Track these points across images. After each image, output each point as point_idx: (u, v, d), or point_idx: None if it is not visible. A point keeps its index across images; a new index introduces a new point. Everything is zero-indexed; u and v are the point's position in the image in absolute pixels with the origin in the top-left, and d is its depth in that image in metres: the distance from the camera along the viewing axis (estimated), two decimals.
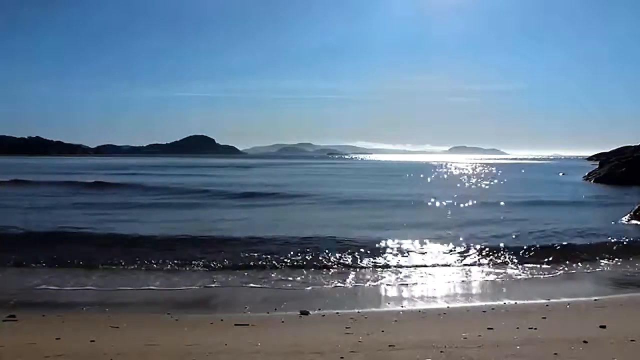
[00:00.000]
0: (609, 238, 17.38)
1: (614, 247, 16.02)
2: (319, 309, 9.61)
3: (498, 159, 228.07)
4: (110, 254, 14.26)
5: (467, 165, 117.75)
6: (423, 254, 15.10)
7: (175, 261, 13.66)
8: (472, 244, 16.05)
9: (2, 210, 24.75)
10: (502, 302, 10.18)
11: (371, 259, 14.11)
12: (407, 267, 13.51)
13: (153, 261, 13.63)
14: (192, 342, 6.84)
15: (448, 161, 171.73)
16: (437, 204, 29.79)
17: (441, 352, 6.09)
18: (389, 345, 6.43)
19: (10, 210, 24.60)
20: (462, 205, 29.13)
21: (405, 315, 9.27)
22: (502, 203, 29.90)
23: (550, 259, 14.51)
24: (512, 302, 10.22)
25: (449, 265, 13.87)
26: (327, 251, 14.81)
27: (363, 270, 13.24)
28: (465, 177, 65.52)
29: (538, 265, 13.80)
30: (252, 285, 11.69)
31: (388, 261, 14.05)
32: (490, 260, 14.36)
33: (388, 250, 15.28)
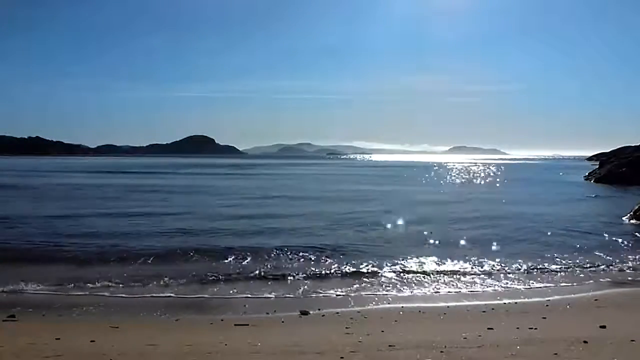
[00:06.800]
0: (610, 237, 17.39)
1: (614, 247, 16.02)
2: (319, 309, 9.59)
3: (498, 159, 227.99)
4: None
5: (473, 165, 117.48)
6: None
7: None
8: (471, 241, 16.08)
9: None
10: (502, 302, 10.16)
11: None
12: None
13: None
14: (192, 342, 6.83)
15: (450, 161, 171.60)
16: None
17: (441, 352, 6.09)
18: (389, 345, 6.42)
19: None
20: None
21: (405, 315, 9.25)
22: (503, 200, 29.96)
23: (550, 257, 14.50)
24: (512, 302, 10.21)
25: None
26: None
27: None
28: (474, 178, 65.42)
29: (537, 264, 13.78)
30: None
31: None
32: (490, 256, 14.33)
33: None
